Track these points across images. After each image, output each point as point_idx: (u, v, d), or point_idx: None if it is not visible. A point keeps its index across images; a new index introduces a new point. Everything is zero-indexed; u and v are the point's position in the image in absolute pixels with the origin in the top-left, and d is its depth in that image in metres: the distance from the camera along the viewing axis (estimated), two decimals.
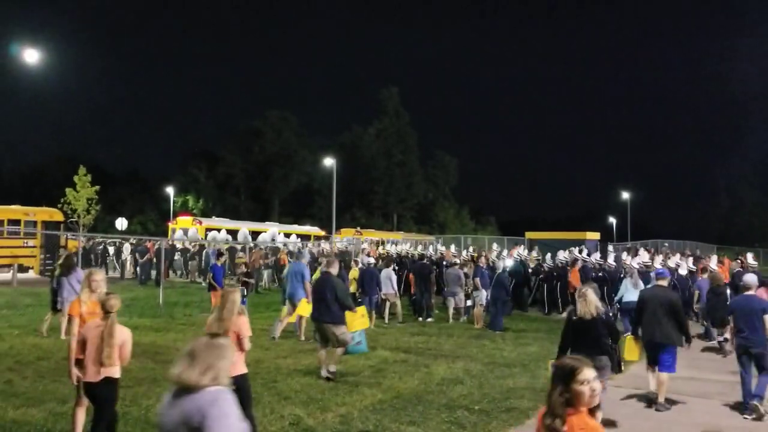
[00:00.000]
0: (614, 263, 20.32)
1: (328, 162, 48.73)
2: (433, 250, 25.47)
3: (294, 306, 13.02)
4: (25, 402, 7.72)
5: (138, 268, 26.14)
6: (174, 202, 60.80)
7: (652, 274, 14.01)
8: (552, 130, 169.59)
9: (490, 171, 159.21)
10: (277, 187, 68.81)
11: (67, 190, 40.53)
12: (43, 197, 44.22)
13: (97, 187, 40.98)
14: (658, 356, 8.29)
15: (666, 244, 32.17)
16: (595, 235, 29.76)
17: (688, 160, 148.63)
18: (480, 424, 7.37)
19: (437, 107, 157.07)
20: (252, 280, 17.80)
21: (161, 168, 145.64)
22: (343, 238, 34.77)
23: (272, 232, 33.29)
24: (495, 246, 28.31)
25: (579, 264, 18.90)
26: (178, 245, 28.66)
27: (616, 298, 14.44)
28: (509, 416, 7.70)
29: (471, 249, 27.58)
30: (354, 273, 16.63)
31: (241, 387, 5.79)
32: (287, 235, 35.12)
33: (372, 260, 18.40)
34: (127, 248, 28.43)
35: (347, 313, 9.91)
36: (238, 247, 26.75)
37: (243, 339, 5.94)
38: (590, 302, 6.89)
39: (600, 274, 18.55)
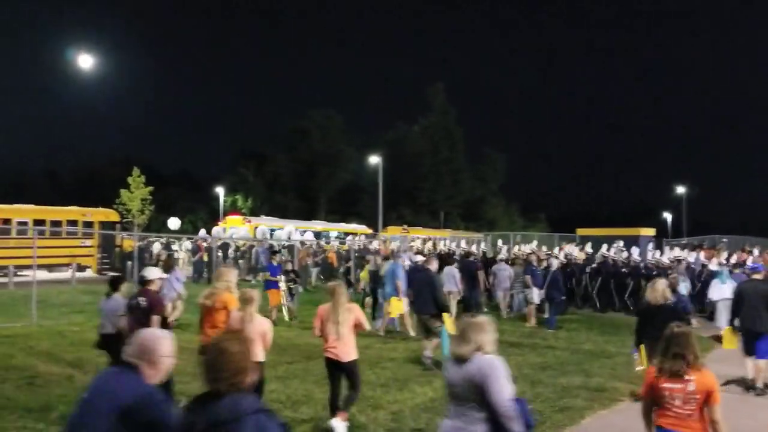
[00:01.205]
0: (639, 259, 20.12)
1: (374, 160, 48.76)
2: (499, 250, 25.04)
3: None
4: None
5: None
6: (224, 201, 61.89)
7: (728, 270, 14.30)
8: (604, 124, 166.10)
9: (540, 167, 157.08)
10: (323, 186, 69.23)
11: (122, 191, 41.63)
12: (100, 198, 45.46)
13: (151, 188, 41.99)
14: (756, 344, 8.74)
15: (725, 240, 31.05)
16: (649, 231, 29.02)
17: (748, 151, 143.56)
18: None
19: (485, 103, 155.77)
20: (299, 279, 17.96)
21: (211, 168, 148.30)
22: (390, 236, 34.80)
23: (288, 229, 33.53)
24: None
25: (683, 264, 18.49)
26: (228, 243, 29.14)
27: None
28: (564, 416, 7.57)
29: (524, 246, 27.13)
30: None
31: (352, 371, 6.70)
32: (317, 233, 35.39)
33: (420, 258, 18.35)
34: (157, 247, 29.11)
35: (445, 315, 10.28)
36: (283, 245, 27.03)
37: (362, 325, 6.84)
38: (657, 290, 7.59)
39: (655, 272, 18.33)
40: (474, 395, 3.78)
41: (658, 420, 4.25)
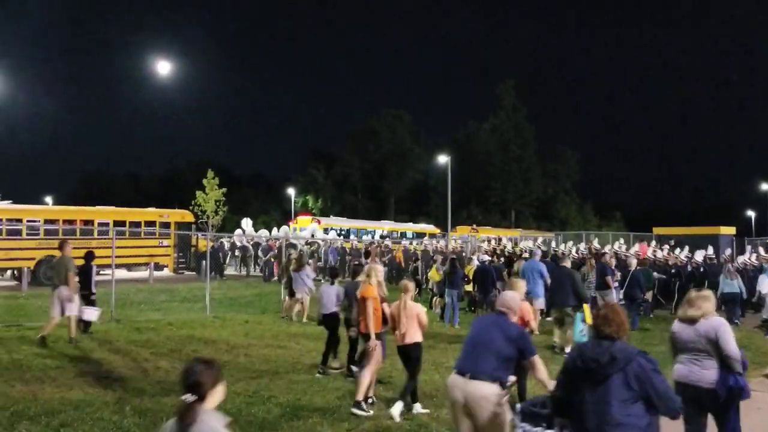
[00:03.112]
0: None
1: (443, 159, 48.56)
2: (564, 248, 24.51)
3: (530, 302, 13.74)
4: (159, 391, 8.19)
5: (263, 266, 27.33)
6: (295, 202, 62.96)
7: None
8: (682, 119, 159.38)
9: (616, 164, 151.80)
10: (392, 186, 69.43)
11: (197, 192, 42.89)
12: (178, 199, 47.07)
13: (224, 189, 43.07)
14: None
15: None
16: (729, 230, 27.75)
17: None
18: None
19: (557, 99, 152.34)
20: None
21: (283, 169, 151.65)
22: (459, 236, 34.55)
23: (311, 227, 33.54)
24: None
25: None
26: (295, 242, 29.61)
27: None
28: None
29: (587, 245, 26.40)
30: (470, 270, 16.58)
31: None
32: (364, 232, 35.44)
33: (488, 258, 18.16)
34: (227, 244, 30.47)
35: (585, 306, 11.04)
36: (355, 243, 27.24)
37: (529, 320, 7.65)
38: None
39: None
40: (708, 346, 5.10)
41: None
